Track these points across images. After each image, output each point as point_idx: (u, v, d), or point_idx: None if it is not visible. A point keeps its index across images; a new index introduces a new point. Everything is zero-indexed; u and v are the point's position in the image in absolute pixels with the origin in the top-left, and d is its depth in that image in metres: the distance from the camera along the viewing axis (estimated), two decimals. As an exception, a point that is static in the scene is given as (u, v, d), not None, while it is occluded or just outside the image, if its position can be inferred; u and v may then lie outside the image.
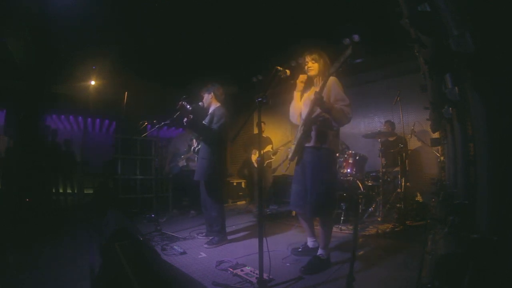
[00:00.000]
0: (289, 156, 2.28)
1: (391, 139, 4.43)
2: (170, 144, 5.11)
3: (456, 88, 1.17)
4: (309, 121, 2.14)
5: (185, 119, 2.80)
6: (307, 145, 2.18)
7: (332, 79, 2.14)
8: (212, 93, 3.07)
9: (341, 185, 3.63)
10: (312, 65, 2.26)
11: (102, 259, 1.62)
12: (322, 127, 2.14)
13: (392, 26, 2.15)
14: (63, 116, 8.59)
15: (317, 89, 2.18)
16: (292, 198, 2.29)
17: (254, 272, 1.99)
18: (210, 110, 3.08)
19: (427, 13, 1.06)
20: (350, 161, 3.85)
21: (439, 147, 3.86)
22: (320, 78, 2.19)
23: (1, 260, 2.45)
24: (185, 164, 4.68)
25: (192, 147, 3.22)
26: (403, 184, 3.72)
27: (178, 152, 4.87)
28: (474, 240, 0.92)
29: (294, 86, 2.38)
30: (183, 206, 4.94)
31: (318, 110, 2.13)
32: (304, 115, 2.22)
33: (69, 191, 6.29)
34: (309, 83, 2.32)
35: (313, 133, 2.15)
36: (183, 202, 5.04)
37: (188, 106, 2.86)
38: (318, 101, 1.98)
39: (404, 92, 3.93)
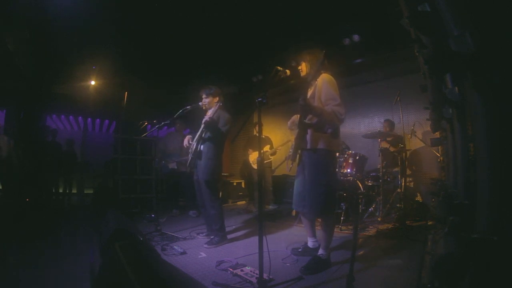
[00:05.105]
0: (291, 158, 2.28)
1: (389, 139, 4.43)
2: (159, 142, 5.09)
3: (456, 88, 1.17)
4: (303, 125, 2.13)
5: (206, 118, 2.86)
6: (303, 147, 2.18)
7: (323, 78, 2.13)
8: (213, 95, 3.08)
9: (341, 185, 3.63)
10: (300, 67, 2.31)
11: (102, 259, 1.62)
12: (316, 130, 2.12)
13: (392, 26, 2.16)
14: (63, 116, 8.59)
15: (311, 90, 2.17)
16: (294, 198, 2.30)
17: (254, 272, 1.99)
18: (211, 112, 3.07)
19: (427, 13, 1.06)
20: (350, 161, 3.85)
21: (439, 147, 3.87)
22: (313, 78, 2.19)
23: (1, 260, 2.45)
24: (175, 167, 4.69)
25: (193, 147, 3.20)
26: (403, 184, 3.72)
27: (166, 151, 4.86)
28: (474, 240, 0.92)
29: (293, 86, 2.39)
30: (181, 206, 4.94)
31: (309, 115, 2.12)
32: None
33: (71, 191, 6.29)
34: (306, 85, 2.31)
35: (308, 136, 2.14)
36: (179, 202, 5.04)
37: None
38: (303, 109, 1.98)
39: (404, 92, 3.93)
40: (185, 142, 3.15)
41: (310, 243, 2.45)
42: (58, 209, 5.57)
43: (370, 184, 3.95)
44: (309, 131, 2.14)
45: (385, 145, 4.32)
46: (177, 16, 4.26)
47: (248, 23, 4.42)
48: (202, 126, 2.95)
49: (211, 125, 2.87)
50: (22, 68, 4.97)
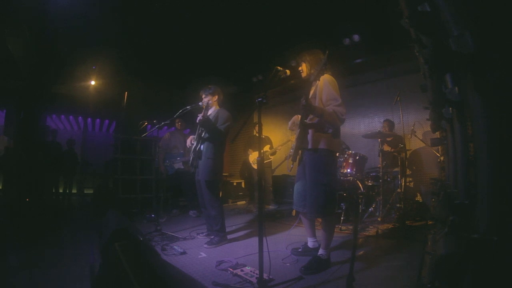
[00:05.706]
0: (291, 158, 2.28)
1: (389, 139, 4.43)
2: (160, 142, 5.08)
3: (456, 88, 1.17)
4: (304, 126, 2.13)
5: (199, 117, 2.84)
6: (304, 147, 2.18)
7: (324, 78, 2.14)
8: (214, 95, 3.08)
9: (341, 185, 3.63)
10: (301, 68, 2.33)
11: (102, 259, 1.62)
12: (317, 130, 2.14)
13: (392, 26, 2.15)
14: (63, 116, 8.59)
15: (312, 91, 2.18)
16: (295, 197, 2.30)
17: (254, 272, 1.99)
18: (211, 111, 3.08)
19: (427, 13, 1.06)
20: (350, 161, 3.85)
21: (439, 147, 3.87)
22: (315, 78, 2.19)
23: (1, 260, 2.44)
24: (182, 167, 4.68)
25: (194, 146, 3.20)
26: (403, 184, 3.72)
27: (167, 150, 4.86)
28: (474, 240, 0.92)
29: (293, 86, 2.39)
30: (181, 206, 4.93)
31: (311, 115, 2.13)
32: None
33: (71, 191, 6.29)
34: (308, 85, 2.32)
35: (309, 136, 2.15)
36: (179, 202, 5.03)
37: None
38: (305, 109, 1.99)
39: (404, 92, 3.92)
40: (188, 142, 3.16)
41: (310, 243, 2.45)
42: (58, 209, 5.57)
43: (370, 184, 3.94)
44: (310, 131, 2.15)
45: (386, 148, 4.32)
46: (177, 16, 4.26)
47: (248, 24, 4.42)
48: (199, 125, 2.96)
49: (206, 123, 2.87)
50: (22, 68, 4.97)
